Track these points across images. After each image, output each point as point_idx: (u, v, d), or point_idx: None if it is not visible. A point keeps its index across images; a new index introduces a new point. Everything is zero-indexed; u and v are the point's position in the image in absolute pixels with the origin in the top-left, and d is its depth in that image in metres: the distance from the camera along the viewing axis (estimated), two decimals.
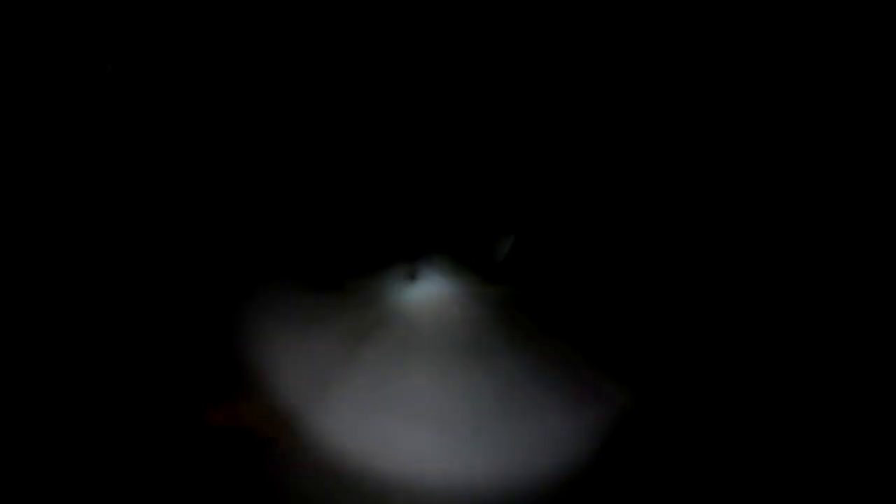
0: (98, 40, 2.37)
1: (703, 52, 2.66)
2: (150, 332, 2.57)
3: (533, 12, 2.69)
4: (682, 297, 2.67)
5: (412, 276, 3.17)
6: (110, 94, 2.48)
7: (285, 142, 2.80)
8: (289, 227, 2.96)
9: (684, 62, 2.69)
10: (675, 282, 2.70)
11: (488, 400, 2.80)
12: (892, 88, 2.44)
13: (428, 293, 3.16)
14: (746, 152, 2.72)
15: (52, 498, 2.27)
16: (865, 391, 2.30)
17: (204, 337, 2.69)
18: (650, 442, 2.38)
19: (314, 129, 2.84)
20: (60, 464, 2.35)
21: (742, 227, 2.75)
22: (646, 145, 2.85)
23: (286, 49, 2.64)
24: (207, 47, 2.55)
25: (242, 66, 2.61)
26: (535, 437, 2.55)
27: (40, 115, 2.42)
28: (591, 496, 2.31)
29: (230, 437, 2.60)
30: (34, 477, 2.29)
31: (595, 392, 2.61)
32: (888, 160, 2.48)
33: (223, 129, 2.67)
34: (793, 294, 2.54)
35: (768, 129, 2.69)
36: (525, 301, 3.00)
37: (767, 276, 2.66)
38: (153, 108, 2.58)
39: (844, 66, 2.52)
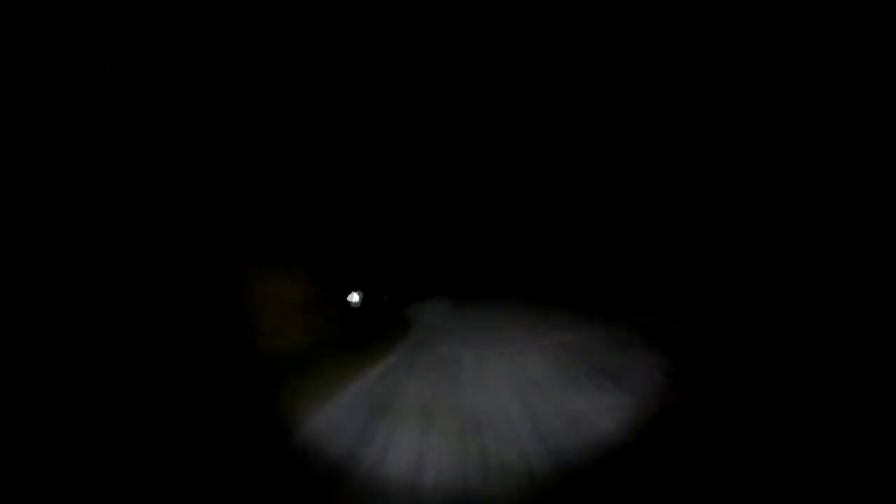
0: (98, 40, 2.35)
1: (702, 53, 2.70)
2: (150, 332, 2.56)
3: (534, 15, 2.71)
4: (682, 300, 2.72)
5: (417, 292, 3.20)
6: (110, 94, 2.46)
7: (286, 143, 2.80)
8: (291, 230, 2.96)
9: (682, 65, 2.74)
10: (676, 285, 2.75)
11: (496, 404, 2.83)
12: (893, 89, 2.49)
13: (433, 306, 3.20)
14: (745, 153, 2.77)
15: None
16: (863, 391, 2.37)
17: (208, 337, 2.68)
18: (654, 449, 2.43)
19: (314, 130, 2.85)
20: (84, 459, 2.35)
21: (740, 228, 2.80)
22: (645, 148, 2.89)
23: (286, 51, 2.63)
24: (207, 47, 2.53)
25: (243, 67, 2.60)
26: (543, 438, 2.59)
27: (40, 115, 2.39)
28: (594, 496, 2.36)
29: (236, 444, 2.61)
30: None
31: (601, 401, 2.66)
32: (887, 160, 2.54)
33: (224, 130, 2.67)
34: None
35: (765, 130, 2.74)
36: (531, 311, 3.04)
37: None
38: (153, 108, 2.56)
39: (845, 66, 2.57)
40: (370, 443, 2.66)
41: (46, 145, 2.44)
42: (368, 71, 2.67)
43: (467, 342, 3.17)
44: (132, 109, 2.52)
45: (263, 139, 2.71)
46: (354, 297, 2.85)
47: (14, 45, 2.24)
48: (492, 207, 3.01)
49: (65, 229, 2.51)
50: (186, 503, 2.39)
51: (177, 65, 2.51)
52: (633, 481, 2.30)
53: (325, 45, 2.62)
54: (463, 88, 2.74)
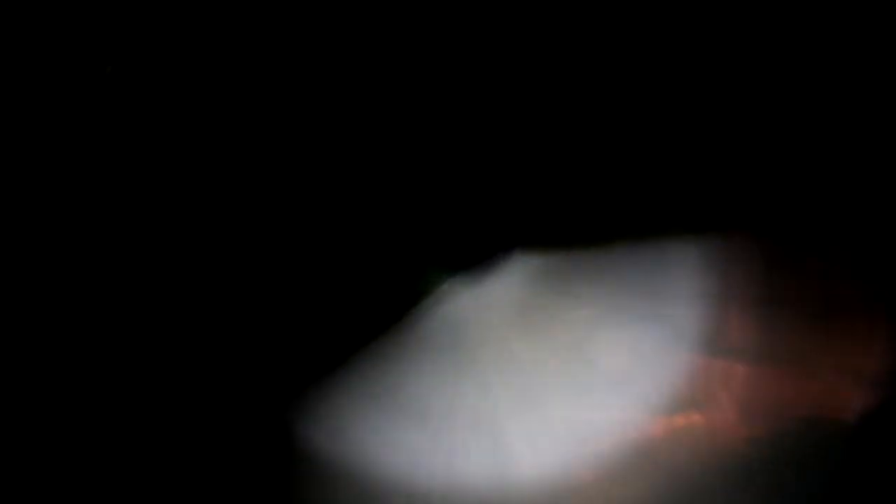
0: (98, 40, 2.37)
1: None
2: (155, 332, 2.57)
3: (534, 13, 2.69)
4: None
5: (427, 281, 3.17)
6: (110, 95, 2.48)
7: (287, 143, 2.80)
8: (296, 227, 2.95)
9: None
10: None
11: (499, 400, 2.79)
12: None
13: (440, 296, 3.17)
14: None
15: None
16: None
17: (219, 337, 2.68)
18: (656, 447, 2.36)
19: (313, 128, 2.84)
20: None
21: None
22: (644, 145, 2.84)
23: (288, 49, 2.64)
24: (207, 47, 2.55)
25: (243, 68, 2.61)
26: (545, 436, 2.54)
27: (40, 115, 2.42)
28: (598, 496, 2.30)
29: (240, 439, 2.60)
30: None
31: (604, 397, 2.60)
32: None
33: (225, 130, 2.67)
34: None
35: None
36: (533, 300, 3.00)
37: None
38: (153, 108, 2.58)
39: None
40: (364, 440, 2.62)
41: (46, 145, 2.47)
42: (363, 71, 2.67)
43: (474, 328, 3.12)
44: (132, 109, 2.54)
45: (263, 139, 2.72)
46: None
47: (14, 45, 2.28)
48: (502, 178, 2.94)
49: (65, 229, 2.54)
50: (180, 502, 2.39)
51: (177, 65, 2.52)
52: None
53: (324, 45, 2.63)
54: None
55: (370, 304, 3.06)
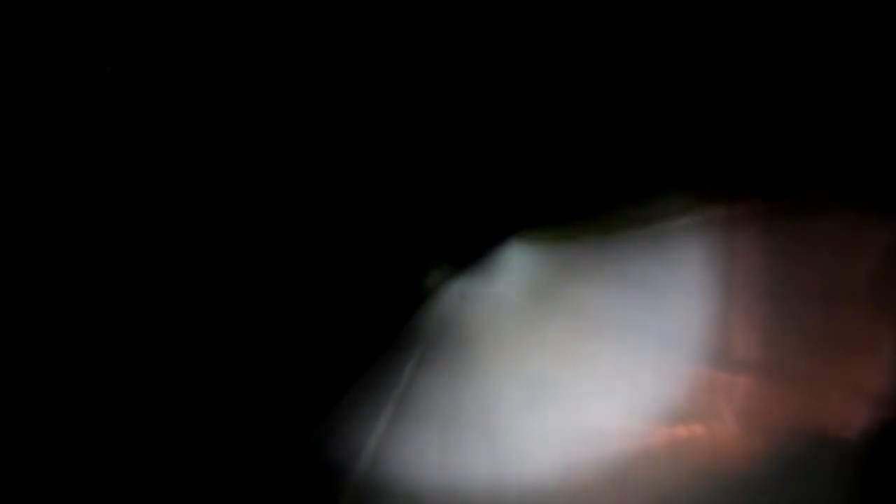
0: (98, 40, 2.35)
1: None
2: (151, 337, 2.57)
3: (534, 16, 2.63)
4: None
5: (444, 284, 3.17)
6: (110, 95, 2.46)
7: (286, 144, 2.78)
8: (304, 226, 2.94)
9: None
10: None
11: (500, 403, 2.78)
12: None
13: (440, 294, 3.16)
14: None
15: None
16: None
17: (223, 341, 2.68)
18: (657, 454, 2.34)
19: (312, 129, 2.82)
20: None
21: None
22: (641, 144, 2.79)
23: (289, 50, 2.60)
24: (207, 48, 2.52)
25: (244, 68, 2.58)
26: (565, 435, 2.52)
27: (40, 115, 2.40)
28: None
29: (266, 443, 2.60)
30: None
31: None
32: None
33: (225, 131, 2.65)
34: None
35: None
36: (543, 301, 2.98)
37: None
38: (153, 108, 2.56)
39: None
40: (367, 439, 2.63)
41: (47, 145, 2.45)
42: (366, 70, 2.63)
43: (475, 329, 3.11)
44: (132, 109, 2.52)
45: (264, 139, 2.69)
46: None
47: (14, 45, 2.25)
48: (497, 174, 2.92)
49: (65, 229, 2.53)
50: (193, 499, 2.40)
51: (177, 65, 2.49)
52: None
53: (325, 45, 2.59)
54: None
55: (370, 304, 3.05)
